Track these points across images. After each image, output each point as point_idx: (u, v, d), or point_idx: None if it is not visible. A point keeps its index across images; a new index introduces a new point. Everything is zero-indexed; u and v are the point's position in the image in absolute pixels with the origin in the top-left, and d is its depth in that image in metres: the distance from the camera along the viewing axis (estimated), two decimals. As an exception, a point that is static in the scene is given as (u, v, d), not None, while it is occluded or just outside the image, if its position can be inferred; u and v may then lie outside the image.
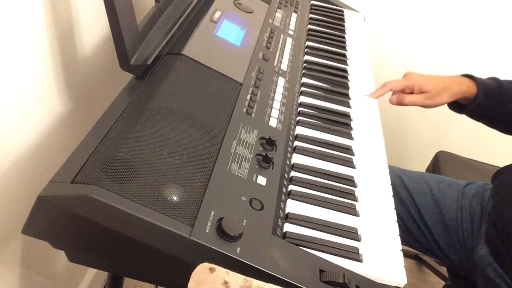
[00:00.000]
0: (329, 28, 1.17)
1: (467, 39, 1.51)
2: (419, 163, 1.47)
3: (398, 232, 0.67)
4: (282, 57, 0.96)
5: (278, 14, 1.10)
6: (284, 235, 0.60)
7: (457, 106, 1.02)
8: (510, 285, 0.82)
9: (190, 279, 0.44)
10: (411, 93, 0.98)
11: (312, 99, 0.89)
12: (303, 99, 0.88)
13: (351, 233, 0.64)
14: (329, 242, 0.61)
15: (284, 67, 0.93)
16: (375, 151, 0.82)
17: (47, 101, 0.75)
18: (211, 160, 0.61)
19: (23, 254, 0.78)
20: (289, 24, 1.10)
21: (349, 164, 0.76)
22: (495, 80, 0.99)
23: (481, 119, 1.02)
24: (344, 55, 1.08)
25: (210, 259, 0.46)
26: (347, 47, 1.11)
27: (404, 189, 1.01)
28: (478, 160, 1.37)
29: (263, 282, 0.46)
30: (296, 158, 0.73)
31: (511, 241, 0.83)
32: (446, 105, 1.06)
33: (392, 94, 1.00)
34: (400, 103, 0.98)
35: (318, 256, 0.58)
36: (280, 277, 0.51)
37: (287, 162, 0.72)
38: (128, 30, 0.68)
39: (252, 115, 0.74)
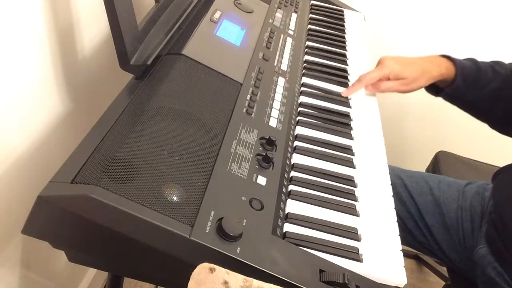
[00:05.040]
0: (329, 28, 1.17)
1: (468, 39, 1.51)
2: (419, 163, 1.47)
3: (398, 232, 0.67)
4: (282, 57, 0.96)
5: (278, 14, 1.10)
6: (284, 235, 0.60)
7: (433, 88, 0.99)
8: (510, 284, 0.82)
9: (190, 279, 0.44)
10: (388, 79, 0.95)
11: (312, 99, 0.89)
12: (303, 99, 0.88)
13: (351, 233, 0.64)
14: (329, 242, 0.61)
15: (284, 67, 0.93)
16: (375, 151, 0.82)
17: (47, 101, 0.75)
18: (211, 160, 0.61)
19: (23, 254, 0.78)
20: (289, 24, 1.10)
21: (349, 164, 0.76)
22: (473, 61, 0.97)
23: (457, 103, 0.99)
24: (344, 55, 1.08)
25: (210, 259, 0.46)
26: (347, 47, 1.11)
27: (404, 189, 1.01)
28: (478, 160, 1.37)
29: (263, 282, 0.46)
30: (296, 158, 0.73)
31: (511, 240, 0.83)
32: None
33: (368, 85, 0.96)
34: (376, 91, 0.95)
35: (318, 256, 0.58)
36: (280, 277, 0.51)
37: (287, 162, 0.72)
38: (128, 30, 0.68)
39: (252, 115, 0.74)
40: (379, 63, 0.96)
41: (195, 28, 0.85)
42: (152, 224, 0.50)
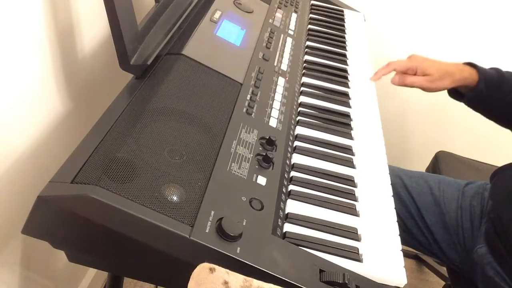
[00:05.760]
0: (329, 28, 1.17)
1: (467, 38, 1.51)
2: (419, 163, 1.47)
3: (398, 232, 0.67)
4: (282, 57, 0.96)
5: (278, 14, 1.10)
6: (284, 235, 0.60)
7: (457, 93, 1.02)
8: (509, 284, 0.82)
9: (190, 279, 0.44)
10: (414, 74, 0.99)
11: (312, 99, 0.89)
12: (303, 99, 0.88)
13: (351, 233, 0.64)
14: (329, 242, 0.61)
15: (284, 67, 0.93)
16: (375, 151, 0.82)
17: (47, 101, 0.75)
18: (211, 160, 0.61)
19: (23, 254, 0.78)
20: (289, 24, 1.10)
21: (349, 164, 0.76)
22: (496, 70, 0.99)
23: (479, 109, 1.01)
24: (344, 55, 1.08)
25: (210, 259, 0.46)
26: (347, 47, 1.11)
27: (404, 189, 1.01)
28: (478, 160, 1.37)
29: (263, 282, 0.46)
30: (296, 158, 0.73)
31: (510, 240, 0.83)
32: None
33: (395, 75, 1.00)
34: (401, 84, 0.99)
35: (318, 256, 0.58)
36: (280, 277, 0.51)
37: (287, 162, 0.72)
38: (128, 30, 0.68)
39: (252, 115, 0.74)
40: (409, 57, 1.01)
41: (195, 28, 0.85)
42: (152, 224, 0.50)
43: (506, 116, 0.99)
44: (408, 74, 0.98)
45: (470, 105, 1.02)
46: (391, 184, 0.75)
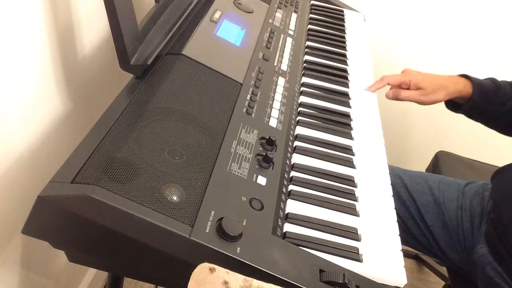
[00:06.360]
0: (329, 28, 1.17)
1: (467, 39, 1.51)
2: (419, 163, 1.47)
3: (398, 232, 0.67)
4: (282, 57, 0.96)
5: (278, 14, 1.10)
6: (284, 235, 0.60)
7: (454, 105, 1.04)
8: (510, 284, 0.82)
9: (190, 279, 0.44)
10: (408, 88, 1.00)
11: (312, 99, 0.89)
12: (303, 99, 0.88)
13: (351, 233, 0.64)
14: (329, 242, 0.61)
15: (284, 67, 0.93)
16: (375, 151, 0.82)
17: (47, 101, 0.75)
18: (211, 160, 0.61)
19: (23, 254, 0.78)
20: (289, 24, 1.10)
21: (349, 164, 0.76)
22: (492, 80, 1.00)
23: (478, 119, 1.03)
24: (344, 55, 1.08)
25: (210, 259, 0.46)
26: (347, 47, 1.11)
27: (404, 189, 1.01)
28: (478, 160, 1.37)
29: (263, 282, 0.46)
30: (296, 158, 0.73)
31: (510, 240, 0.83)
32: (445, 105, 1.06)
33: (390, 89, 1.02)
34: (396, 98, 1.01)
35: (318, 256, 0.58)
36: (280, 277, 0.51)
37: (287, 162, 0.72)
38: (128, 30, 0.68)
39: (252, 115, 0.74)
40: (403, 71, 1.03)
41: (195, 28, 0.85)
42: (152, 224, 0.50)
43: (504, 125, 1.00)
44: (402, 88, 1.00)
45: (468, 116, 1.03)
46: (391, 184, 0.75)
